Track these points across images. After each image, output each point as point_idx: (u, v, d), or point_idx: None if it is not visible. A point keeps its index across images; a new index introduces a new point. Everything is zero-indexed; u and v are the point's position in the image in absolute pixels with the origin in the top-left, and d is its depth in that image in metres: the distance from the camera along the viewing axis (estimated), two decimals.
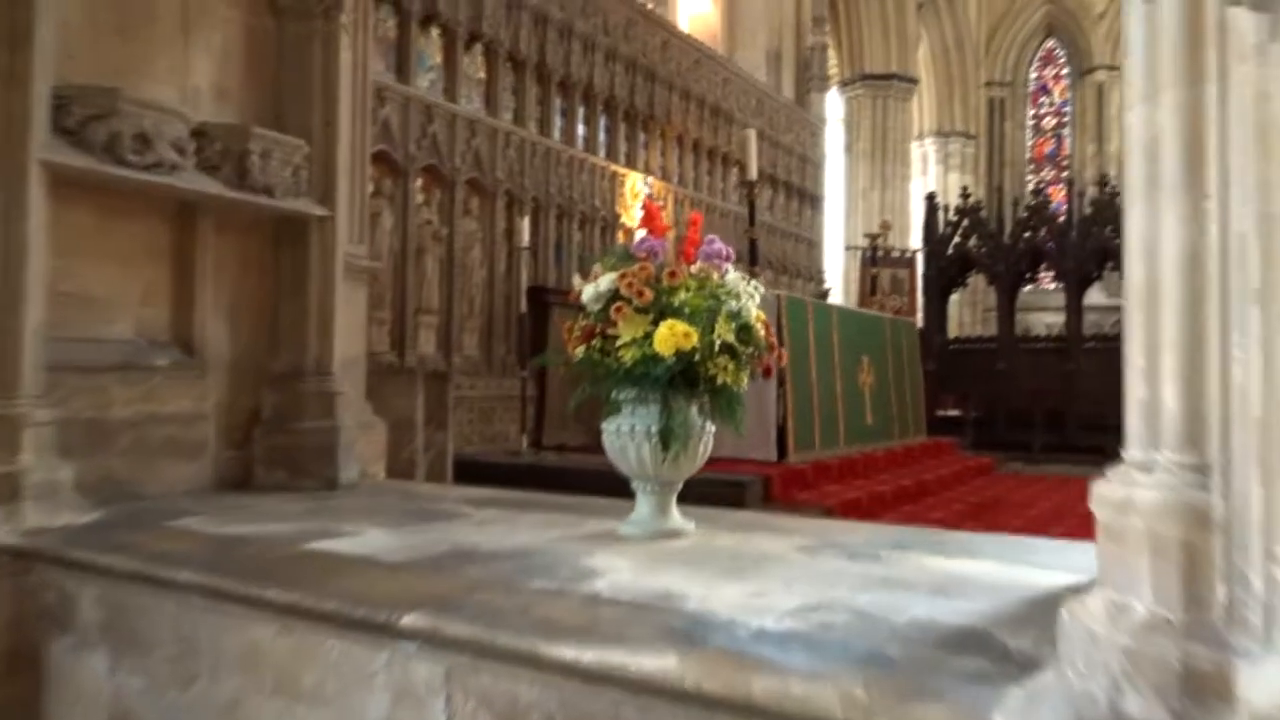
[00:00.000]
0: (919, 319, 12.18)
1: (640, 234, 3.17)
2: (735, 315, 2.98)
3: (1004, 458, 10.53)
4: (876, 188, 19.99)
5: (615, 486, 4.36)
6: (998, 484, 8.77)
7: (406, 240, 6.87)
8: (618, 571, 2.16)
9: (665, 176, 9.90)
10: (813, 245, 13.72)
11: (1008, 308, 12.35)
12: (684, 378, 3.01)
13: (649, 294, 2.96)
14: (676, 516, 3.23)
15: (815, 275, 13.61)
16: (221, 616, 2.11)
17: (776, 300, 6.21)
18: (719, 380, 3.00)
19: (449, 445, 5.97)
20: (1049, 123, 24.95)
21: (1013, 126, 24.85)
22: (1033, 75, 24.98)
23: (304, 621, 1.95)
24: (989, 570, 2.13)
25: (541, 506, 3.73)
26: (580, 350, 3.15)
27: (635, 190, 9.46)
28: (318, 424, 3.85)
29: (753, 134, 6.91)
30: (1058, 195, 19.84)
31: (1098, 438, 11.52)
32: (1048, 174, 24.50)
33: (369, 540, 2.58)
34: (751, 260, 6.55)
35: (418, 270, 7.01)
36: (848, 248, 14.80)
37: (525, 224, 7.71)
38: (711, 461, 2.99)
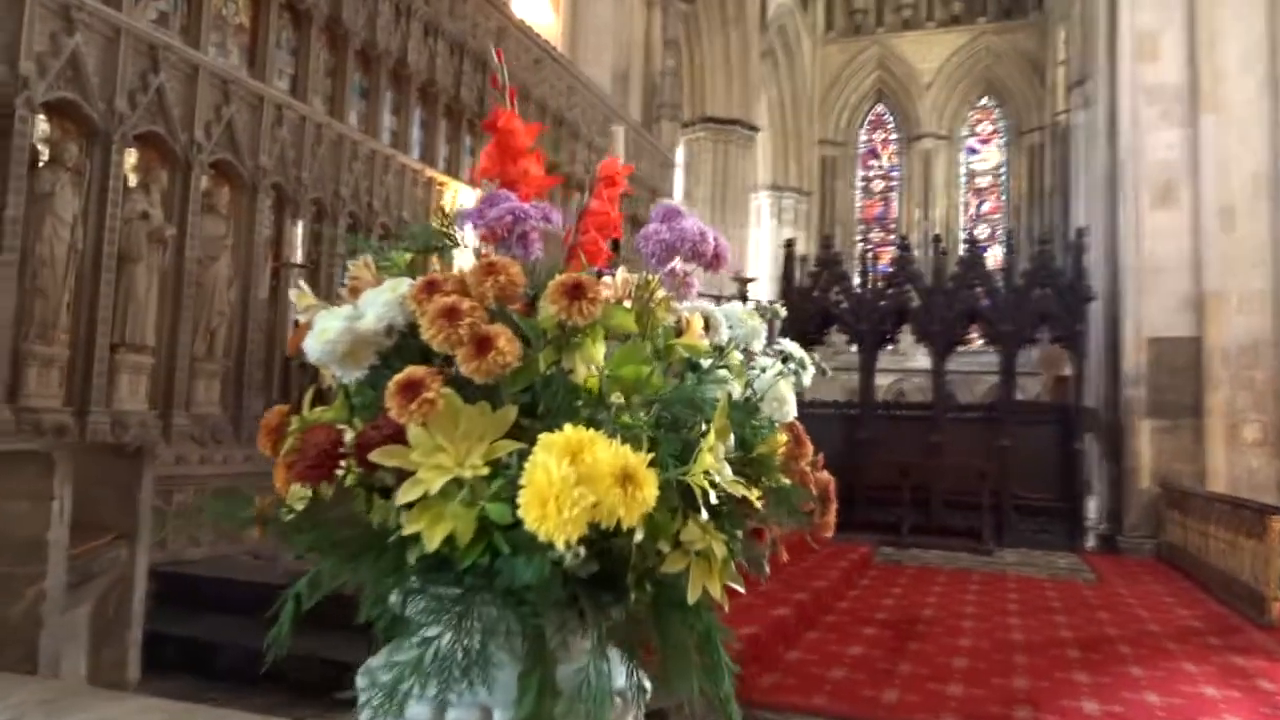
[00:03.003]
0: None
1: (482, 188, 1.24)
2: (748, 416, 1.05)
3: (873, 540, 9.21)
4: None
5: None
6: (886, 582, 7.35)
7: (103, 238, 4.55)
8: None
9: None
10: None
11: (869, 369, 11.21)
12: (594, 575, 1.01)
13: (511, 350, 0.92)
14: None
15: None
16: None
17: None
18: (683, 584, 1.01)
19: (139, 566, 3.70)
20: (877, 185, 25.04)
21: (844, 186, 24.75)
22: (863, 138, 25.07)
23: None
24: None
25: None
26: (299, 493, 1.01)
27: (456, 203, 7.45)
28: None
29: (620, 131, 5.16)
30: (885, 257, 19.55)
31: (967, 519, 10.58)
32: (876, 235, 24.51)
33: None
34: None
35: (121, 285, 4.69)
36: (700, 295, 13.30)
37: (299, 232, 5.55)
38: None
